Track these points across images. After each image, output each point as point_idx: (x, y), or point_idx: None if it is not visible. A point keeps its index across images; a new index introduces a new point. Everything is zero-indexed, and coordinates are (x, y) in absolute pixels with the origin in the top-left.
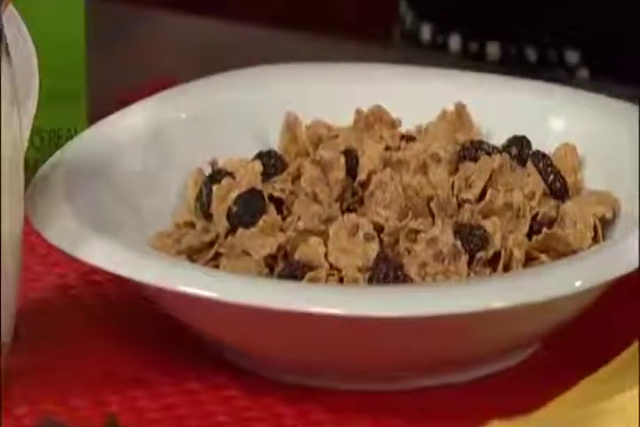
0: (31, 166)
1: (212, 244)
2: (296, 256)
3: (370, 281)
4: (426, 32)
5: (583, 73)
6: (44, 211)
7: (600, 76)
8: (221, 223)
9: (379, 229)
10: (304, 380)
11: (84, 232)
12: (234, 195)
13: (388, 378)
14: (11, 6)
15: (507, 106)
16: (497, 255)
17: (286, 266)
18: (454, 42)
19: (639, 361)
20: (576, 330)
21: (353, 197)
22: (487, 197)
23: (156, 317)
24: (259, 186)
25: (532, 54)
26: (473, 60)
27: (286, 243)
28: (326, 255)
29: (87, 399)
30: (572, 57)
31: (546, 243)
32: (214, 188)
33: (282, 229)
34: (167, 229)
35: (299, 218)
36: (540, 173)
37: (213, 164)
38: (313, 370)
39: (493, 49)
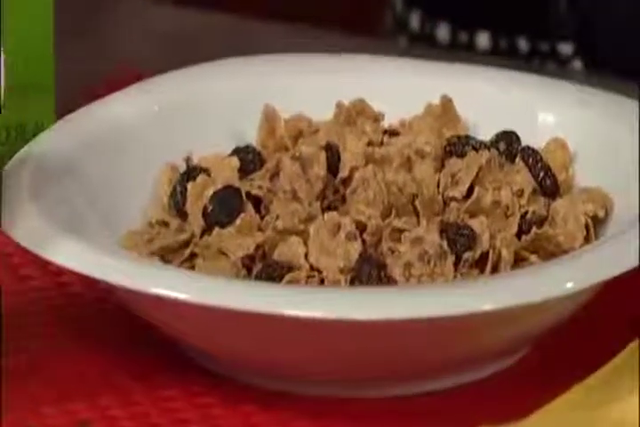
0: None
1: (186, 244)
2: (275, 257)
3: (352, 283)
4: (415, 20)
5: (576, 65)
6: (10, 209)
7: (594, 68)
8: (196, 222)
9: (361, 228)
10: (283, 386)
11: (52, 231)
12: (209, 192)
13: (372, 384)
14: None
15: (495, 99)
16: (485, 256)
17: (264, 267)
18: (443, 31)
19: (639, 366)
20: (567, 333)
21: (334, 194)
22: (474, 194)
23: (128, 320)
24: (236, 183)
25: (523, 45)
26: (462, 51)
27: (264, 243)
28: (306, 256)
29: (57, 407)
30: (565, 48)
31: (536, 243)
32: (189, 185)
33: (260, 229)
34: (139, 228)
35: (277, 217)
36: (530, 170)
37: (188, 160)
38: (292, 376)
39: (483, 39)
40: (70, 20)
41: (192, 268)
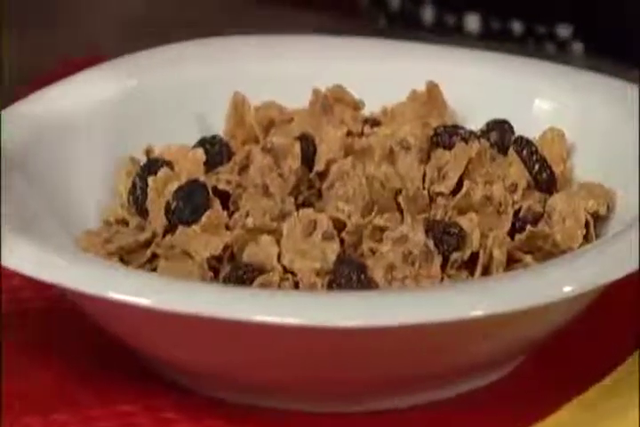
0: None
1: (147, 244)
2: (244, 258)
3: (329, 286)
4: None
5: (576, 48)
6: None
7: (595, 52)
8: (158, 220)
9: (339, 226)
10: (253, 400)
11: None
12: (172, 188)
13: (352, 397)
14: None
15: (486, 85)
16: (475, 257)
17: (233, 269)
18: (428, 13)
19: (638, 381)
20: (565, 341)
21: (309, 189)
22: (463, 189)
23: (83, 328)
24: (201, 177)
25: (517, 27)
26: (449, 34)
27: (233, 243)
28: (279, 257)
29: (7, 424)
30: (563, 30)
31: (530, 242)
32: (150, 180)
33: (228, 227)
34: (96, 227)
35: (247, 214)
36: (524, 163)
37: (148, 152)
38: (263, 389)
39: (473, 22)
40: (40, 8)
41: (154, 270)
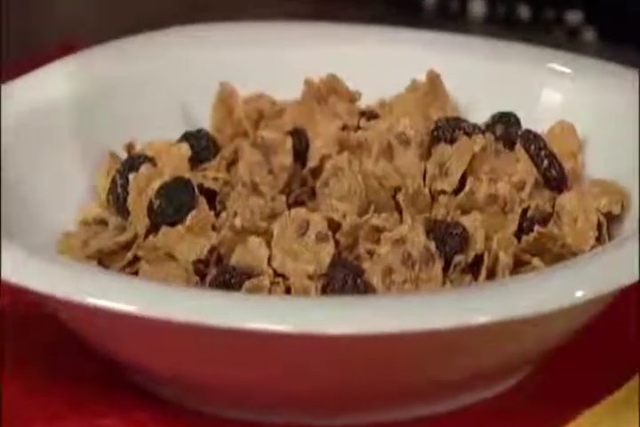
0: None
1: (128, 246)
2: (232, 261)
3: (323, 291)
4: None
5: (588, 35)
6: None
7: (608, 39)
8: (140, 221)
9: (334, 227)
10: (240, 414)
11: None
12: (155, 185)
13: (348, 410)
14: None
15: (491, 75)
16: (479, 259)
17: (220, 273)
18: None
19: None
20: (574, 351)
21: (302, 187)
22: (467, 187)
23: (61, 336)
24: (186, 174)
25: (524, 12)
26: (452, 20)
27: (220, 244)
28: (269, 260)
29: None
30: (574, 16)
31: (539, 244)
32: (131, 176)
33: (214, 228)
34: (73, 228)
35: (235, 214)
36: (532, 158)
37: (130, 147)
38: (252, 402)
39: (478, 6)
40: None
41: (135, 274)
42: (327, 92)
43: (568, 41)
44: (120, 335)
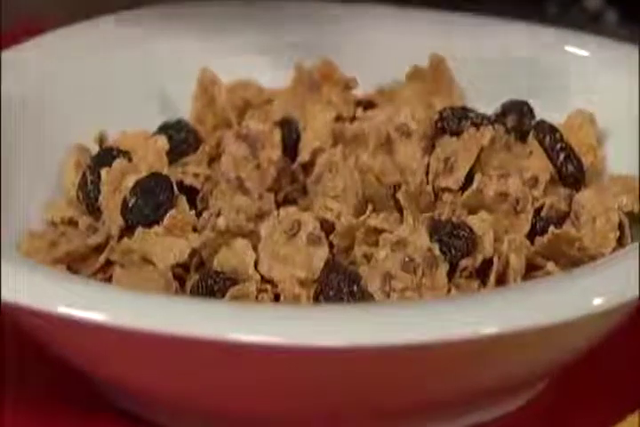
0: None
1: (100, 248)
2: (215, 265)
3: (316, 299)
4: None
5: (609, 17)
6: None
7: (631, 21)
8: (113, 221)
9: (327, 228)
10: None
11: None
12: (130, 182)
13: None
14: None
15: (502, 59)
16: (488, 264)
17: (202, 279)
18: None
19: None
20: (591, 366)
21: (292, 184)
22: (474, 184)
23: (30, 350)
24: (164, 169)
25: None
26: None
27: (202, 247)
28: (256, 264)
29: None
30: None
31: (554, 247)
32: (103, 172)
33: (196, 229)
34: (39, 228)
35: (218, 213)
36: (547, 152)
37: (101, 139)
38: (238, 418)
39: None
40: None
41: (108, 280)
42: (320, 78)
43: (587, 23)
44: (91, 347)
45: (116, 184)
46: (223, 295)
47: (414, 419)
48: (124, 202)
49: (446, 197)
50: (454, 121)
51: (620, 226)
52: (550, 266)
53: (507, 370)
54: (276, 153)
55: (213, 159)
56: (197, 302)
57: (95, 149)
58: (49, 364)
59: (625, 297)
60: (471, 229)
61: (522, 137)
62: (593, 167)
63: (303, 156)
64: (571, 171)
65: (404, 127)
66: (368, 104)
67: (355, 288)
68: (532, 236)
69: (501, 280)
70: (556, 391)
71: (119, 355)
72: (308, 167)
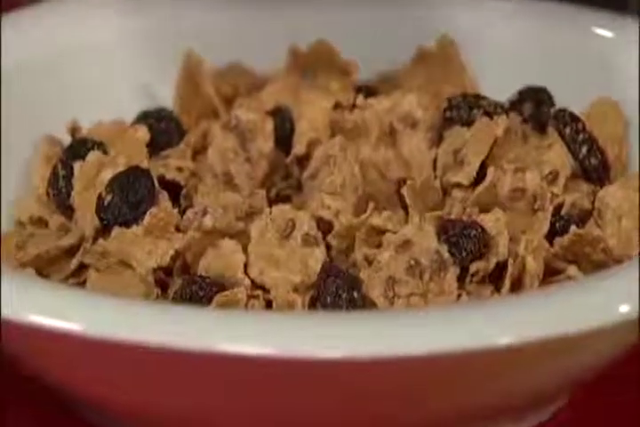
0: None
1: (73, 251)
2: (200, 269)
3: (312, 306)
4: None
5: None
6: None
7: None
8: (87, 220)
9: (325, 227)
10: None
11: None
12: (106, 177)
13: None
14: None
15: (518, 41)
16: (502, 267)
17: (186, 284)
18: None
19: None
20: (615, 381)
21: (286, 179)
22: (487, 179)
23: None
24: (144, 163)
25: None
26: None
27: (186, 249)
28: (246, 268)
29: None
30: None
31: (575, 248)
32: (76, 166)
33: (179, 229)
34: (6, 228)
35: (204, 211)
36: (567, 144)
37: (74, 129)
38: None
39: None
40: None
41: (82, 285)
42: (316, 63)
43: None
44: (63, 359)
45: (91, 179)
46: (209, 302)
47: None
48: (100, 199)
49: (456, 193)
50: (465, 109)
51: None
52: (571, 270)
53: (522, 385)
54: (267, 145)
55: (198, 152)
56: (181, 309)
57: (67, 140)
58: (17, 375)
59: None
60: (483, 229)
61: (540, 127)
62: (618, 161)
63: (298, 148)
64: (594, 165)
65: (410, 117)
66: (369, 91)
67: (355, 294)
68: (551, 236)
69: (517, 286)
70: (582, 405)
71: (94, 368)
72: (303, 161)
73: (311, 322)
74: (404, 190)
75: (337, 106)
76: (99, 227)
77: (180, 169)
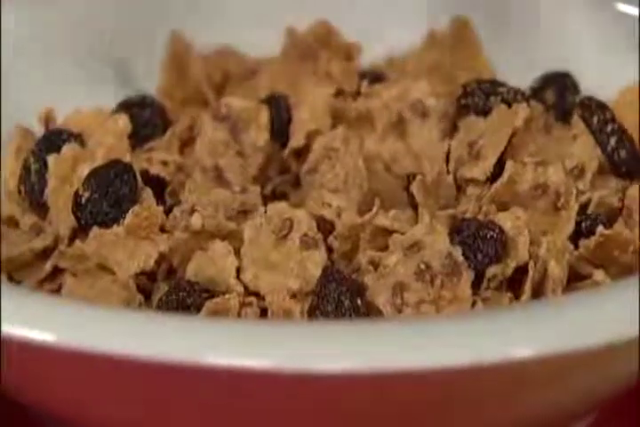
0: None
1: (47, 253)
2: (188, 274)
3: (311, 314)
4: None
5: None
6: None
7: None
8: (63, 219)
9: (325, 228)
10: None
11: None
12: (83, 172)
13: None
14: None
15: (542, 22)
16: (521, 272)
17: (172, 290)
18: None
19: None
20: None
21: (282, 174)
22: (505, 174)
23: None
24: (125, 156)
25: None
26: None
27: (172, 252)
28: (239, 272)
29: None
30: None
31: (603, 251)
32: (50, 159)
33: (165, 229)
34: None
35: (192, 210)
36: (594, 135)
37: (48, 118)
38: None
39: None
40: None
41: (57, 291)
42: (316, 44)
43: None
44: (36, 372)
45: (66, 174)
46: (198, 311)
47: None
48: (76, 196)
49: (471, 189)
50: (481, 97)
51: None
52: (598, 274)
53: (543, 402)
54: (262, 136)
55: (186, 144)
56: (166, 318)
57: (40, 130)
58: None
59: None
60: (501, 230)
61: (564, 116)
62: None
63: (296, 140)
64: (623, 158)
65: (420, 105)
66: (375, 76)
67: (358, 302)
68: (576, 238)
69: (538, 292)
70: (612, 422)
71: (70, 382)
72: (301, 154)
73: (310, 333)
74: (414, 187)
75: (339, 93)
76: (75, 227)
77: (165, 163)
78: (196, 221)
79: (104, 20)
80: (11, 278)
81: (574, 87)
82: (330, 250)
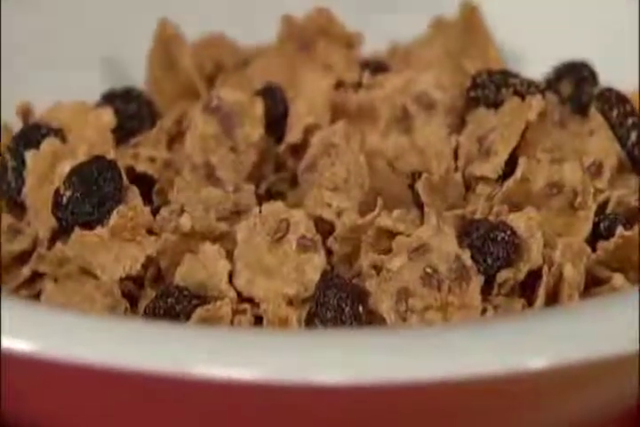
0: None
1: (25, 257)
2: (177, 278)
3: (309, 322)
4: None
5: None
6: None
7: None
8: (42, 220)
9: (325, 229)
10: None
11: None
12: (64, 169)
13: None
14: None
15: (554, 8)
16: (535, 276)
17: (160, 296)
18: None
19: None
20: None
21: (278, 172)
22: (518, 172)
23: None
24: (109, 153)
25: None
26: None
27: (160, 255)
28: (231, 277)
29: None
30: None
31: (622, 254)
32: (28, 156)
33: (152, 231)
34: None
35: (182, 210)
36: (613, 129)
37: (25, 112)
38: None
39: None
40: None
41: (37, 297)
42: (314, 33)
43: None
44: (14, 384)
45: (46, 172)
46: (188, 318)
47: None
48: (57, 196)
49: (481, 188)
50: (491, 89)
51: None
52: (617, 279)
53: (559, 414)
54: (256, 131)
55: (174, 139)
56: (154, 326)
57: (18, 125)
58: None
59: None
60: (513, 232)
61: (581, 110)
62: None
63: (293, 135)
64: None
65: (426, 97)
66: (378, 67)
67: (360, 309)
68: (593, 240)
69: (553, 298)
70: None
71: (50, 393)
72: (298, 150)
73: (308, 342)
74: (419, 185)
75: (339, 84)
76: (55, 228)
77: (152, 160)
78: (185, 221)
79: (98, 13)
80: None
81: (592, 78)
82: (329, 253)
